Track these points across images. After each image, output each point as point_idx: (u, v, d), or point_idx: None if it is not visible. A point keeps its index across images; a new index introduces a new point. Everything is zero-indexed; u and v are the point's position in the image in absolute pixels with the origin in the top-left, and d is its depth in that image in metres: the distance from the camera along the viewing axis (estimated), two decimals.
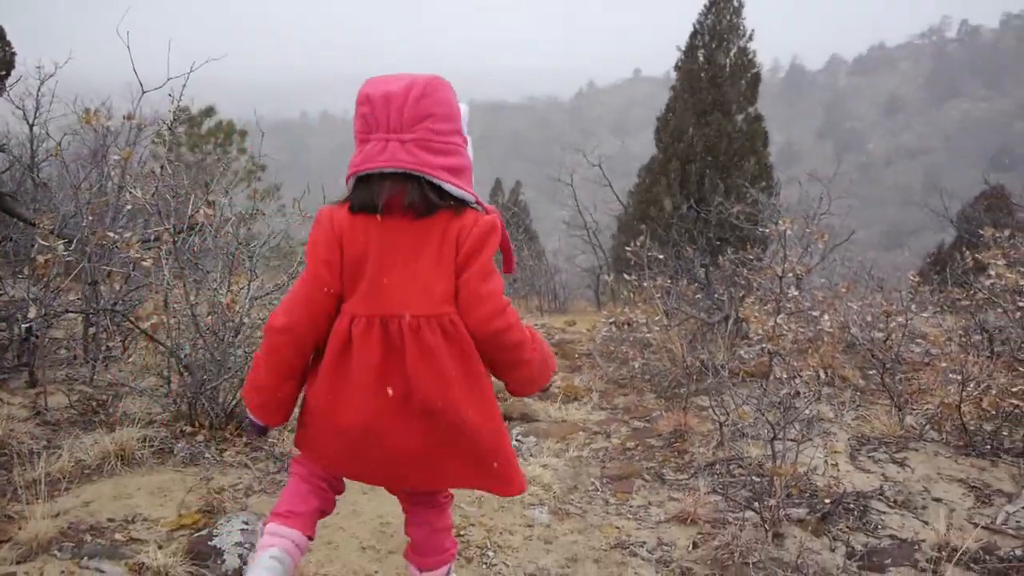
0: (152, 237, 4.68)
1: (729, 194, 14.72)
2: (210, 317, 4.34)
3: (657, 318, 6.79)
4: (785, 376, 5.27)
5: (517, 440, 5.00)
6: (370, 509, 3.64)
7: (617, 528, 3.69)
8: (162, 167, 4.07)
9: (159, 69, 5.35)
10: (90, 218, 4.78)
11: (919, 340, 7.54)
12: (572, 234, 17.93)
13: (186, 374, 4.15)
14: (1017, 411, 4.60)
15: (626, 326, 6.91)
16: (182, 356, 4.13)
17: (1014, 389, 4.58)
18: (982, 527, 3.71)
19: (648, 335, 6.54)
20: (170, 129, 4.44)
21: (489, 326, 2.13)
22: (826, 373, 6.13)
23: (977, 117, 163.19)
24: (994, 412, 4.67)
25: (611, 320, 6.93)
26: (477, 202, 2.24)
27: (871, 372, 6.14)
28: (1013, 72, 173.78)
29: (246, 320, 4.40)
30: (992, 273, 6.21)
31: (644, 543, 3.54)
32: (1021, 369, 5.76)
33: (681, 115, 15.94)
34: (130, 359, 4.98)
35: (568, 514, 3.81)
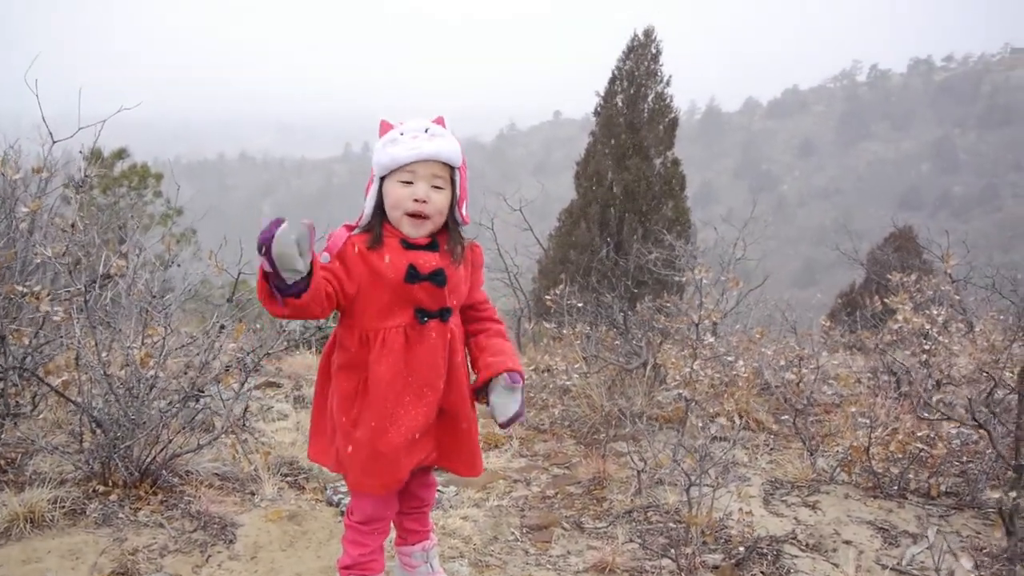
0: (63, 290, 4.60)
1: (648, 237, 14.97)
2: (123, 371, 4.27)
3: (577, 365, 6.86)
4: (700, 424, 5.36)
5: (439, 490, 4.99)
6: (288, 567, 3.60)
7: None
8: (72, 225, 3.99)
9: (70, 105, 5.28)
10: None
11: (831, 381, 7.76)
12: (493, 277, 17.98)
13: (99, 432, 4.06)
14: (923, 454, 4.76)
15: (546, 373, 6.96)
16: (93, 413, 4.05)
17: (919, 433, 4.73)
18: (890, 568, 3.83)
19: (567, 382, 6.60)
20: (79, 187, 4.38)
21: None
22: (741, 417, 6.25)
23: (886, 159, 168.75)
24: (901, 455, 4.82)
25: (531, 367, 6.98)
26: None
27: (784, 417, 6.28)
28: (920, 115, 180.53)
29: (161, 374, 4.34)
30: (899, 317, 6.43)
31: None
32: (926, 414, 5.97)
33: (600, 159, 16.21)
34: (40, 416, 4.86)
35: (488, 566, 3.82)
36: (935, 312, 6.49)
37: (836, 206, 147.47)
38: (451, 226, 2.77)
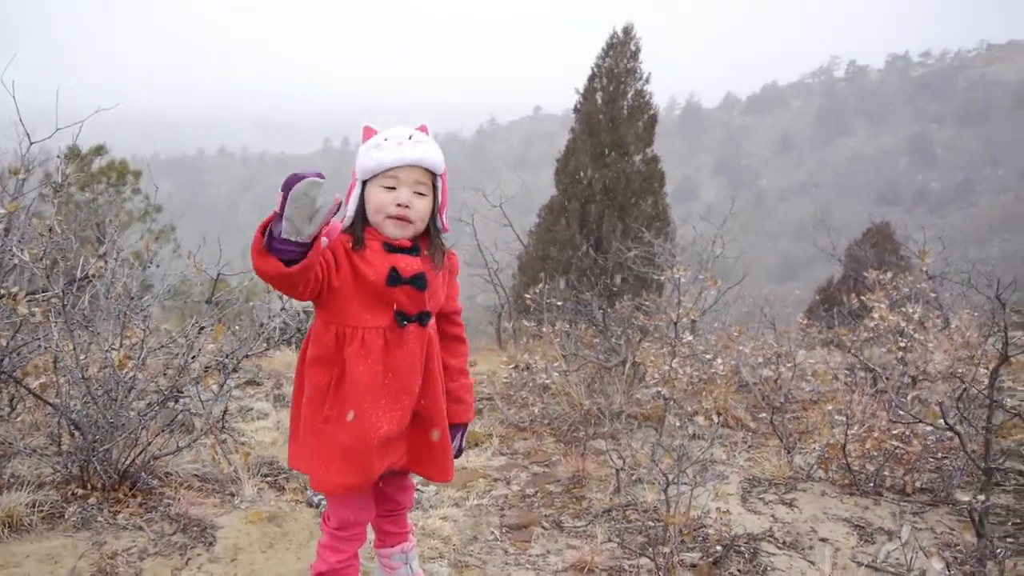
0: (40, 294, 4.58)
1: (627, 234, 15.03)
2: (102, 372, 4.25)
3: (556, 364, 6.89)
4: (679, 424, 5.40)
5: (418, 489, 5.00)
6: (268, 569, 3.61)
7: None
8: (50, 229, 3.97)
9: (46, 101, 5.23)
10: None
11: (808, 378, 7.82)
12: (473, 273, 17.98)
13: (77, 434, 4.05)
14: (898, 451, 4.81)
15: (526, 371, 6.98)
16: (71, 416, 4.03)
17: (894, 431, 4.78)
18: (865, 566, 3.87)
19: (547, 380, 6.62)
20: (57, 190, 4.35)
21: None
22: (719, 415, 6.30)
23: (864, 154, 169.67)
24: (876, 453, 4.87)
25: (512, 365, 7.00)
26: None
27: (762, 415, 6.33)
28: (898, 111, 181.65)
29: (139, 376, 4.33)
30: (876, 316, 6.50)
31: None
32: (900, 414, 6.04)
33: (580, 156, 16.23)
34: (18, 418, 4.84)
35: (468, 566, 3.84)
36: (910, 310, 6.56)
37: (815, 201, 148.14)
38: (432, 232, 2.80)
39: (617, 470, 4.87)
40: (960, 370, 6.52)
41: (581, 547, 4.00)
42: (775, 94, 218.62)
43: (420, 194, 2.69)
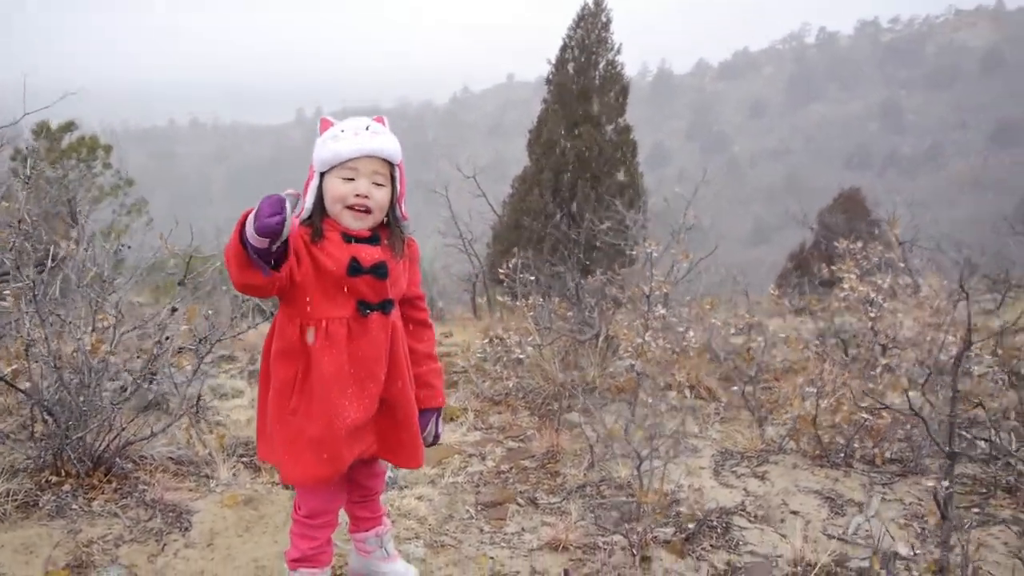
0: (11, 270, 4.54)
1: (601, 202, 15.09)
2: (75, 355, 4.22)
3: (530, 337, 6.91)
4: (651, 401, 5.44)
5: (393, 469, 5.01)
6: (244, 552, 3.62)
7: (491, 558, 3.76)
8: (20, 221, 3.93)
9: (14, 77, 5.19)
10: None
11: (780, 345, 7.90)
12: (448, 243, 17.98)
13: (50, 421, 4.02)
14: (867, 423, 4.88)
15: (500, 346, 7.00)
16: (44, 403, 4.01)
17: (863, 404, 4.84)
18: (836, 539, 3.94)
19: (521, 355, 6.65)
20: (27, 182, 4.30)
21: None
22: (692, 389, 6.36)
23: (835, 119, 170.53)
24: (847, 425, 4.94)
25: (486, 340, 7.01)
26: None
27: (734, 388, 6.39)
28: (867, 76, 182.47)
29: (112, 359, 4.31)
30: (846, 286, 6.57)
31: (517, 573, 3.62)
32: (872, 374, 6.12)
33: (552, 127, 16.21)
34: None
35: (443, 546, 3.87)
36: (880, 280, 6.63)
37: (787, 166, 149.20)
38: (391, 221, 2.80)
39: (591, 445, 4.91)
40: (929, 336, 6.62)
41: (556, 525, 4.03)
42: (746, 60, 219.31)
43: (378, 184, 2.69)
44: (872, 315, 6.42)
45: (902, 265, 8.48)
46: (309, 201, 2.68)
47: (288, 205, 2.24)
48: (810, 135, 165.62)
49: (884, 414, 4.80)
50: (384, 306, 2.74)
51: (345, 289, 2.66)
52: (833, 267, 7.32)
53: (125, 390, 4.47)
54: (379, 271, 2.68)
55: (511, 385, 6.67)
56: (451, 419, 6.21)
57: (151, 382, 4.67)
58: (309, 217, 2.69)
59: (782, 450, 5.12)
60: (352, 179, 2.65)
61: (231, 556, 3.58)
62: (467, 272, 16.94)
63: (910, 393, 4.77)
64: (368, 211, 2.68)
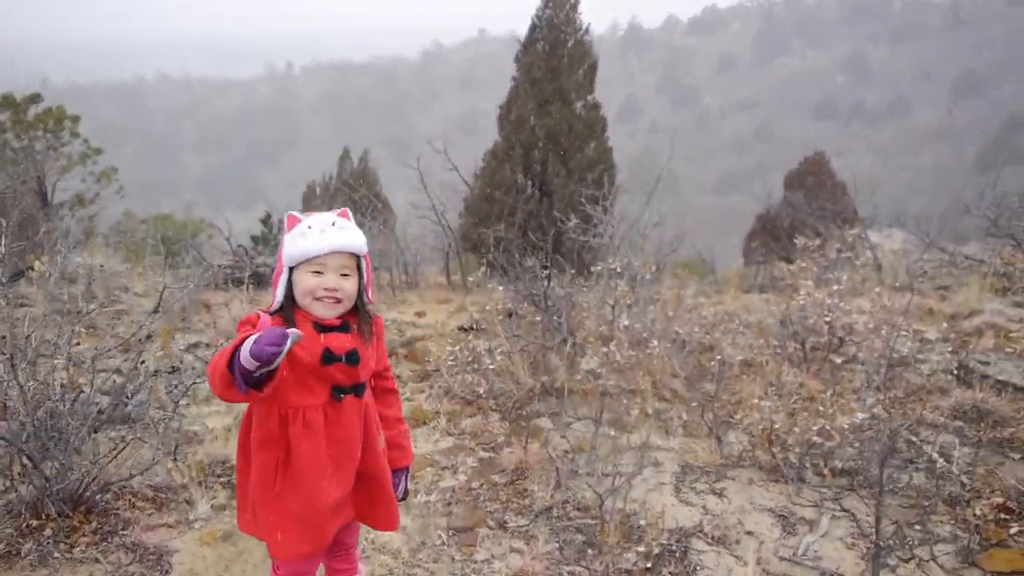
0: None
1: (571, 176, 15.24)
2: (49, 389, 4.28)
3: (500, 348, 7.06)
4: (612, 433, 5.62)
5: None
6: None
7: None
8: None
9: None
10: None
11: (743, 331, 8.11)
12: (421, 216, 18.00)
13: (29, 464, 4.11)
14: (818, 441, 5.12)
15: (469, 353, 7.11)
16: (22, 447, 4.07)
17: (815, 427, 5.07)
18: (787, 560, 4.18)
19: (491, 365, 6.80)
20: None
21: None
22: (655, 390, 6.55)
23: (801, 72, 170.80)
24: (798, 446, 5.18)
25: (457, 347, 7.14)
26: None
27: (700, 389, 6.58)
28: (833, 30, 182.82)
29: (85, 392, 4.38)
30: (803, 292, 6.78)
31: None
32: (825, 378, 6.35)
33: (523, 105, 16.27)
34: None
35: None
36: (834, 285, 6.83)
37: (755, 118, 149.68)
38: (360, 308, 2.93)
39: (556, 468, 5.11)
40: (883, 331, 6.86)
41: (524, 551, 4.23)
42: (715, 16, 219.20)
43: (346, 275, 2.82)
44: (827, 320, 6.63)
45: (869, 252, 8.70)
46: (280, 294, 2.82)
47: (289, 342, 2.36)
48: (778, 88, 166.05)
49: (834, 436, 5.03)
50: (357, 389, 2.89)
51: (319, 377, 2.80)
52: (790, 268, 7.53)
53: (102, 412, 4.58)
54: (352, 358, 2.83)
55: (482, 390, 6.82)
56: (424, 423, 6.37)
57: (127, 405, 4.79)
58: (280, 309, 2.82)
59: (740, 464, 5.35)
60: (321, 272, 2.79)
61: None
62: (440, 242, 16.99)
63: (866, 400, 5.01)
64: (339, 300, 2.82)
